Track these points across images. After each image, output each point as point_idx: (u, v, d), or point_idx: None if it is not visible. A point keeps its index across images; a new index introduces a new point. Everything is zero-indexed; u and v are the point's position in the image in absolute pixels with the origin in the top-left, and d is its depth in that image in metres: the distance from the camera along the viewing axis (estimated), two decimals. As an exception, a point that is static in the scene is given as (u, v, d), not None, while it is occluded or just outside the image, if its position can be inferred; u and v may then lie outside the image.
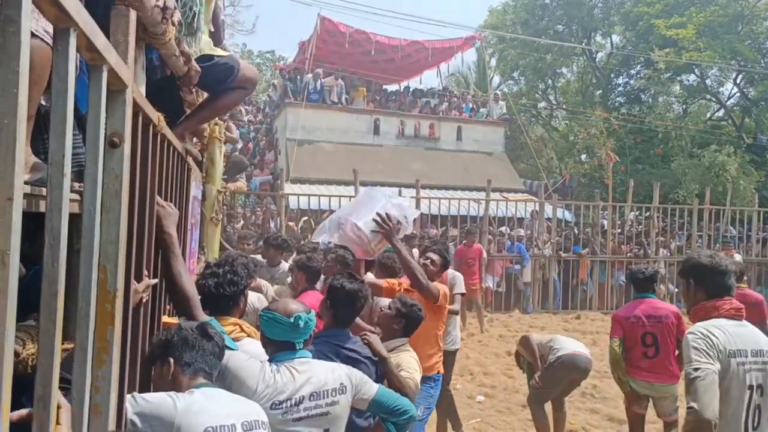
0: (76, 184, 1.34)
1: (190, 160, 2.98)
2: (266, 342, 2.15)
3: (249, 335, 2.27)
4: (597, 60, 24.81)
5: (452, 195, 13.25)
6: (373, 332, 3.13)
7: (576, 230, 12.05)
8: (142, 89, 1.82)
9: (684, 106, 22.96)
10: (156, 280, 1.94)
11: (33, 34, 1.19)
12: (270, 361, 2.08)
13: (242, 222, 10.59)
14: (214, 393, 1.74)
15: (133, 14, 1.47)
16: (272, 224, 10.39)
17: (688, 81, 22.20)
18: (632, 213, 12.89)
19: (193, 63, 2.27)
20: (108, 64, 1.19)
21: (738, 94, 22.30)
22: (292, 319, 2.07)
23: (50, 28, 1.27)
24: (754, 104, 20.97)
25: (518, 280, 11.02)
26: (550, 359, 4.53)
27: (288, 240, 6.17)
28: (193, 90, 2.70)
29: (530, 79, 25.50)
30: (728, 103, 22.66)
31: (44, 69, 1.32)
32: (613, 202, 12.82)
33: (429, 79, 24.26)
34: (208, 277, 2.30)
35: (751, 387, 2.18)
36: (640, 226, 12.29)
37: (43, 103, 1.58)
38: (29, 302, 1.16)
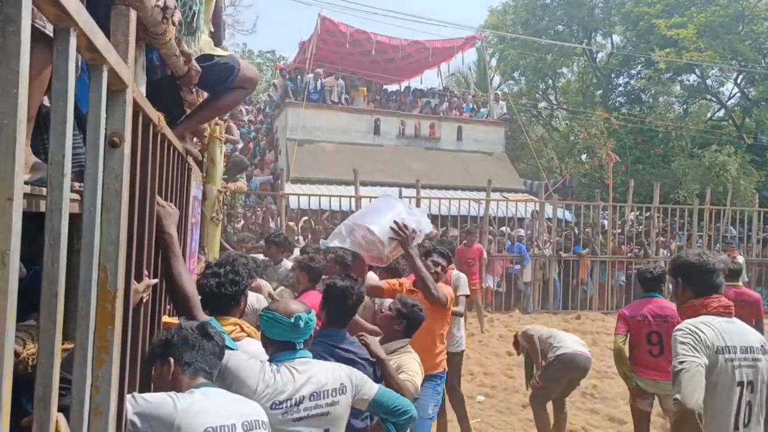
0: (77, 184, 1.34)
1: (190, 159, 2.98)
2: (266, 342, 2.15)
3: (249, 335, 2.27)
4: (597, 60, 24.81)
5: (452, 195, 13.24)
6: (375, 332, 3.13)
7: (576, 230, 12.04)
8: (143, 89, 1.82)
9: (684, 106, 22.95)
10: (156, 280, 1.94)
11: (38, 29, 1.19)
12: (270, 361, 2.08)
13: (242, 222, 10.60)
14: (215, 393, 1.74)
15: (133, 14, 1.47)
16: (272, 224, 10.40)
17: (689, 81, 22.20)
18: (632, 213, 12.89)
19: (194, 63, 2.27)
20: (108, 64, 1.19)
21: (738, 94, 22.30)
22: (292, 320, 2.07)
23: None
24: (755, 104, 20.95)
25: (518, 280, 11.02)
26: (550, 357, 4.54)
27: (289, 238, 6.19)
28: (194, 90, 2.70)
29: (531, 79, 25.50)
30: (729, 103, 22.66)
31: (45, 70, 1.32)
32: (613, 202, 12.82)
33: (429, 79, 24.31)
34: (210, 277, 2.30)
35: (740, 383, 2.19)
36: (641, 227, 12.28)
37: (46, 104, 1.58)
38: (29, 302, 1.17)
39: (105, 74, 1.19)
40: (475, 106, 19.20)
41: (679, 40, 19.23)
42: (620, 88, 24.35)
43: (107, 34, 1.27)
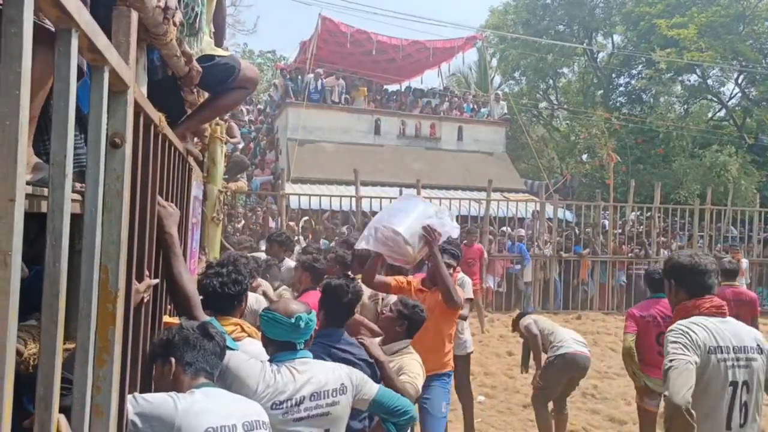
0: (78, 185, 1.35)
1: (191, 160, 2.98)
2: (267, 342, 2.15)
3: (250, 335, 2.27)
4: (598, 60, 24.79)
5: (453, 195, 13.24)
6: (376, 332, 3.14)
7: (577, 230, 12.03)
8: (144, 90, 1.82)
9: (685, 107, 22.93)
10: (157, 280, 1.95)
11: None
12: (271, 361, 2.08)
13: (243, 222, 10.60)
14: (215, 393, 1.75)
15: (134, 15, 1.47)
16: (273, 224, 10.40)
17: (690, 81, 22.19)
18: (633, 213, 12.88)
19: (194, 63, 2.27)
20: (109, 64, 1.19)
21: (739, 95, 22.27)
22: (293, 320, 2.07)
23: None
24: (756, 104, 20.93)
25: (519, 280, 11.01)
26: (550, 356, 4.56)
27: (291, 237, 6.20)
28: (194, 90, 2.71)
29: (531, 79, 25.48)
30: (729, 103, 22.64)
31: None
32: (614, 202, 12.81)
33: (430, 79, 24.31)
34: (213, 277, 2.30)
35: (734, 383, 2.19)
36: (641, 227, 12.27)
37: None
38: (31, 302, 1.17)
39: (106, 75, 1.19)
40: (475, 106, 19.20)
41: (680, 40, 19.21)
42: (621, 88, 24.34)
43: (108, 35, 1.27)
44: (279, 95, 17.74)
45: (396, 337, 3.00)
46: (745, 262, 10.35)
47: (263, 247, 6.57)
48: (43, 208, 1.15)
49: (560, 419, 4.71)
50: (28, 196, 1.14)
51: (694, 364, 2.12)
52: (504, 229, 11.50)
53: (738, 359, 2.20)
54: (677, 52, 19.30)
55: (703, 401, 2.14)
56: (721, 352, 2.19)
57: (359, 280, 3.13)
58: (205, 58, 2.40)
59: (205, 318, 1.99)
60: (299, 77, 16.99)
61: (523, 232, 11.72)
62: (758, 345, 2.27)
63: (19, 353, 1.27)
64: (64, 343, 1.07)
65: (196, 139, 3.68)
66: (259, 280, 4.43)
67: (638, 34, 21.64)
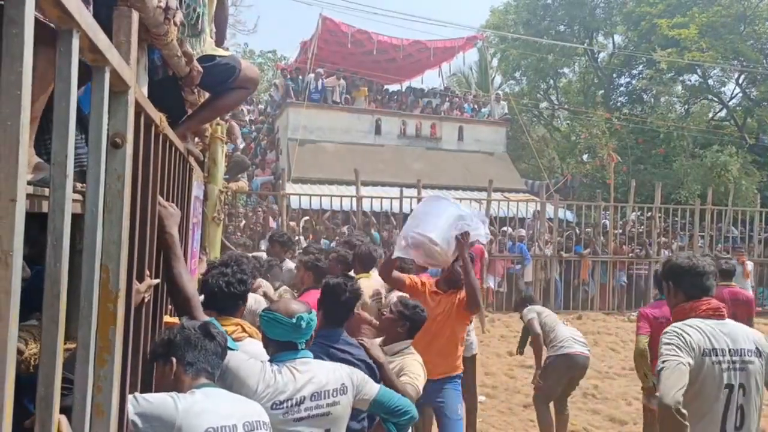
0: (79, 185, 1.35)
1: (191, 160, 2.98)
2: (267, 342, 2.15)
3: (251, 335, 2.27)
4: (599, 60, 24.77)
5: (454, 195, 13.23)
6: (376, 326, 3.16)
7: (577, 230, 12.02)
8: (145, 90, 1.82)
9: (686, 107, 22.92)
10: (158, 280, 1.95)
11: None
12: (271, 361, 2.08)
13: (244, 222, 10.61)
14: (216, 393, 1.75)
15: (135, 15, 1.47)
16: (274, 224, 10.41)
17: (690, 81, 22.17)
18: (634, 213, 12.88)
19: (195, 63, 2.27)
20: (110, 65, 1.19)
21: (740, 95, 22.25)
22: (293, 320, 2.07)
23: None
24: (757, 104, 20.92)
25: (519, 280, 11.01)
26: (550, 356, 4.59)
27: (292, 237, 6.21)
28: (195, 90, 2.71)
29: (532, 79, 25.46)
30: (730, 103, 22.61)
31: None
32: (614, 202, 12.81)
33: (430, 79, 24.31)
34: (218, 277, 2.30)
35: (729, 386, 2.17)
36: (642, 227, 12.27)
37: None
38: (32, 302, 1.17)
39: (107, 75, 1.19)
40: (476, 106, 19.20)
41: (680, 40, 19.20)
42: (622, 88, 24.33)
43: (109, 35, 1.27)
44: (280, 95, 17.74)
45: (397, 338, 3.00)
46: (750, 265, 10.33)
47: (263, 247, 6.57)
48: (44, 208, 1.15)
49: (561, 419, 4.71)
50: (29, 196, 1.15)
51: (686, 365, 2.11)
52: (504, 229, 11.50)
53: (734, 362, 2.18)
54: (678, 52, 19.29)
55: (698, 403, 2.13)
56: (716, 355, 2.17)
57: (359, 281, 3.14)
58: (205, 58, 2.41)
59: (205, 318, 1.99)
60: (300, 77, 16.99)
61: (523, 232, 11.72)
62: (757, 348, 2.24)
63: (20, 353, 1.27)
64: (65, 343, 1.07)
65: (196, 139, 3.68)
66: (260, 280, 4.43)
67: (639, 34, 21.63)
